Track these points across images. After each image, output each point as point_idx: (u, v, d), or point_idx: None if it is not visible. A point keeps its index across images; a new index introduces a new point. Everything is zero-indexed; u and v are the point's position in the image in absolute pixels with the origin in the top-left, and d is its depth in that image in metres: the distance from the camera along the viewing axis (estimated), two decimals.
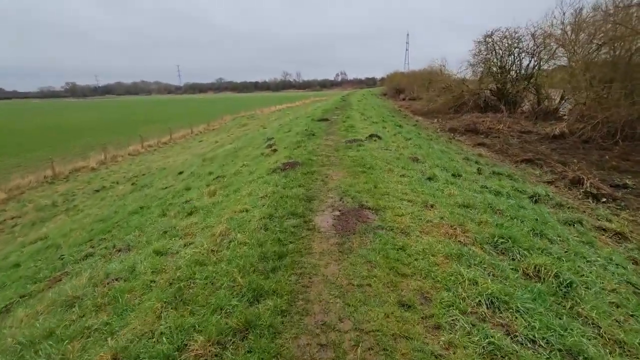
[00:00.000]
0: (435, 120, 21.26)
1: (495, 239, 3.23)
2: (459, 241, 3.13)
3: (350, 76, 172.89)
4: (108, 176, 16.46)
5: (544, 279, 2.64)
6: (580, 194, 7.18)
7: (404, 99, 44.23)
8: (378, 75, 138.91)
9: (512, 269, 2.80)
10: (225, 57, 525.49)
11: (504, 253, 3.09)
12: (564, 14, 15.30)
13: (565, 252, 3.25)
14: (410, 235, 3.25)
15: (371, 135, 8.63)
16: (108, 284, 2.95)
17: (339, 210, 3.88)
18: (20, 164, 19.01)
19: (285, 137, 10.43)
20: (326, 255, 2.94)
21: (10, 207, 12.20)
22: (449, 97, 24.92)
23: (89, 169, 17.72)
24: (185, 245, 3.48)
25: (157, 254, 3.35)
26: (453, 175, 5.97)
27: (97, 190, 13.77)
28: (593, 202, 6.26)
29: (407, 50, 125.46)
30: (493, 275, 2.65)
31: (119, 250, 3.94)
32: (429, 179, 5.40)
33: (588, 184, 7.04)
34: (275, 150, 8.37)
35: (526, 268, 2.78)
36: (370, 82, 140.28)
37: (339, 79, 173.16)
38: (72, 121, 44.26)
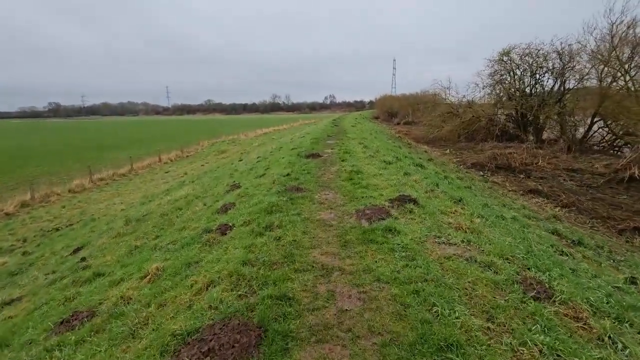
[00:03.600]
0: (447, 150, 17.84)
1: None
2: None
3: (339, 99, 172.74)
4: (22, 226, 12.10)
5: None
6: None
7: (398, 124, 41.39)
8: (366, 98, 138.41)
9: None
10: (215, 80, 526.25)
11: None
12: (612, 25, 12.27)
13: None
14: None
15: (400, 199, 4.83)
16: None
17: None
18: None
19: (256, 189, 6.57)
20: None
21: None
22: (456, 123, 21.73)
23: (2, 215, 13.34)
24: None
25: None
26: None
27: None
28: None
29: (394, 75, 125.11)
30: None
31: None
32: None
33: None
34: (227, 230, 4.45)
35: None
36: (359, 105, 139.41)
37: (328, 101, 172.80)
38: (29, 145, 39.35)
